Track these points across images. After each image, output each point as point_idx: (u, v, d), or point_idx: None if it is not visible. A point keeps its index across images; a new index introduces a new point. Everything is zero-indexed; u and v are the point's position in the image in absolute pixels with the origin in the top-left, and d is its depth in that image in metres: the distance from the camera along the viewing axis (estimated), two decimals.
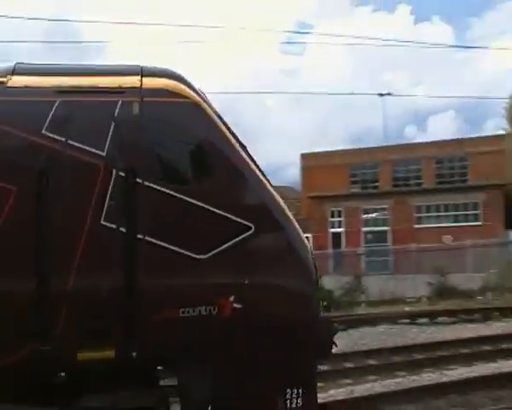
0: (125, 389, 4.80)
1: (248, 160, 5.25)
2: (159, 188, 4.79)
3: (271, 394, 5.23)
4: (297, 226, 5.38)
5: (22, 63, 5.02)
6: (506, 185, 32.04)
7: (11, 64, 4.99)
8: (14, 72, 4.83)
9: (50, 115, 4.70)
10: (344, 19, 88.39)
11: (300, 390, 5.31)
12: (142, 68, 5.17)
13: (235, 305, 4.89)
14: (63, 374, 4.81)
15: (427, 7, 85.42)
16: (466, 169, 36.66)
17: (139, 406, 4.77)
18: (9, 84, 4.75)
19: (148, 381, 4.96)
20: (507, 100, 33.12)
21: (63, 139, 4.67)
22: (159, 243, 4.76)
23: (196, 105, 5.17)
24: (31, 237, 4.47)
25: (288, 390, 5.24)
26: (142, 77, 5.04)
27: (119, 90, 4.96)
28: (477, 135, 39.19)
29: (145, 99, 4.92)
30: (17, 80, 4.80)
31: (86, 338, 4.52)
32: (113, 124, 4.82)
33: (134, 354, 4.64)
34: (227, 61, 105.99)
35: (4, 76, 4.74)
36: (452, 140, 38.56)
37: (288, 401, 5.25)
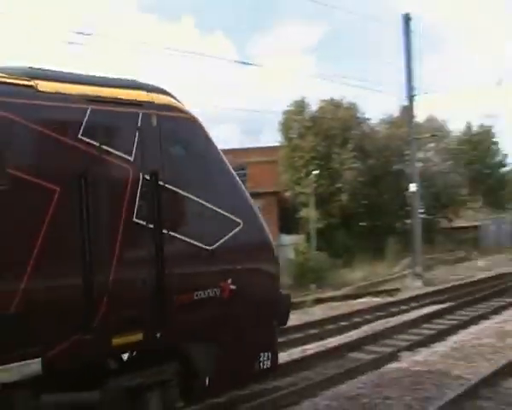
0: (149, 366, 5.57)
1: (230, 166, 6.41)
2: (176, 190, 5.67)
3: (252, 357, 6.42)
4: (264, 221, 6.67)
5: (39, 68, 5.23)
6: (279, 192, 36.52)
7: (26, 67, 5.16)
8: (39, 77, 5.04)
9: (84, 122, 5.11)
10: (129, 24, 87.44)
11: (269, 354, 6.58)
12: (146, 84, 5.88)
13: (231, 286, 6.01)
14: (100, 358, 5.37)
15: (210, 20, 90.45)
16: (245, 177, 40.53)
17: (161, 379, 5.58)
18: (40, 88, 4.93)
19: (167, 357, 5.67)
20: (281, 114, 37.87)
21: (97, 144, 5.15)
22: (178, 236, 5.63)
23: (195, 120, 6.19)
24: (75, 234, 4.94)
25: (261, 354, 6.48)
26: (149, 92, 5.75)
27: (138, 103, 5.62)
28: (256, 145, 43.17)
29: (158, 112, 5.68)
30: (46, 85, 5.03)
31: (121, 325, 5.12)
32: (137, 133, 5.47)
33: (158, 334, 5.38)
34: None
35: (30, 80, 4.91)
36: (232, 149, 42.13)
37: (261, 363, 6.48)
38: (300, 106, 37.66)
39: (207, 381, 6.02)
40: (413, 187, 19.43)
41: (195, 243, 5.78)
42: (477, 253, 27.73)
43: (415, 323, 12.68)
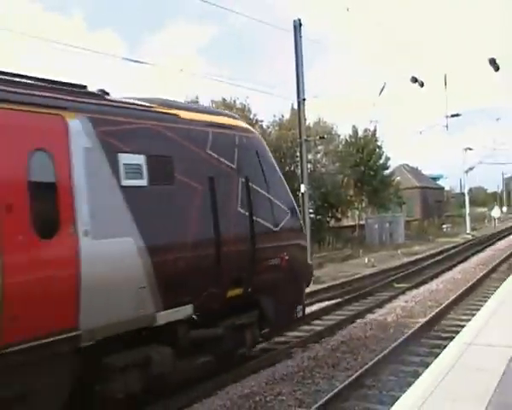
0: (245, 312, 8.56)
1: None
2: (257, 188, 8.70)
3: (293, 308, 9.69)
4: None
5: (174, 100, 8.39)
6: None
7: (162, 99, 8.03)
8: (176, 107, 8.02)
9: (209, 140, 7.97)
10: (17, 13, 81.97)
11: (301, 306, 9.94)
12: (232, 114, 9.34)
13: (286, 257, 9.05)
14: (221, 305, 8.05)
15: (100, 16, 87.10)
16: None
17: (251, 321, 8.68)
18: (181, 116, 7.83)
19: (252, 305, 8.69)
20: None
21: (217, 156, 8.05)
22: (260, 221, 8.56)
23: (259, 136, 9.77)
24: (211, 219, 7.66)
25: (297, 306, 9.81)
26: (234, 119, 9.26)
27: (234, 128, 8.82)
28: None
29: (242, 134, 8.86)
30: (183, 114, 7.90)
31: (232, 282, 8.02)
32: (236, 148, 8.51)
33: (249, 290, 8.38)
34: None
35: (175, 110, 7.83)
36: None
37: (297, 313, 9.82)
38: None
39: (271, 324, 9.34)
40: (303, 188, 20.02)
41: (269, 225, 8.79)
42: (363, 250, 29.19)
43: (305, 319, 13.03)
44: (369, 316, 13.14)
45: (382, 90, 22.96)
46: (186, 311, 7.25)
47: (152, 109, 7.56)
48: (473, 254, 26.25)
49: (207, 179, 7.73)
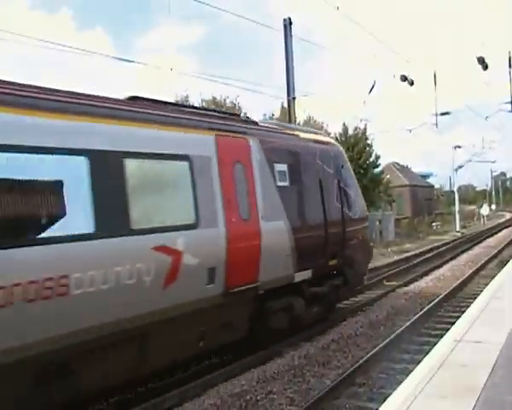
0: (336, 277, 11.76)
1: None
2: (346, 189, 12.20)
3: (362, 276, 13.28)
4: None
5: (293, 125, 14.68)
6: None
7: (287, 124, 13.98)
8: (296, 129, 12.02)
9: (318, 153, 11.38)
10: None
11: (365, 276, 13.66)
12: (321, 132, 14.66)
13: (360, 238, 12.70)
14: (326, 271, 11.37)
15: (90, 15, 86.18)
16: None
17: (340, 284, 11.90)
18: (300, 136, 11.43)
19: (340, 273, 11.92)
20: None
21: (321, 164, 11.35)
22: (347, 211, 12.02)
23: (342, 149, 13.32)
24: (322, 210, 11.06)
25: (364, 275, 13.47)
26: (326, 136, 14.04)
27: (328, 143, 12.66)
28: None
29: (334, 147, 12.60)
30: (302, 135, 11.53)
31: (331, 255, 11.25)
32: (332, 159, 11.87)
33: (340, 261, 11.56)
34: None
35: (296, 132, 11.68)
36: None
37: (363, 280, 13.64)
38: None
39: (349, 287, 12.66)
40: None
41: (351, 215, 12.23)
42: None
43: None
44: (360, 314, 13.17)
45: (372, 88, 23.05)
46: (308, 274, 10.54)
47: (285, 132, 11.48)
48: (462, 252, 26.43)
49: (319, 181, 11.22)
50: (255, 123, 10.81)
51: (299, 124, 31.30)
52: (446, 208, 73.53)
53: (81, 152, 6.40)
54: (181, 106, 12.05)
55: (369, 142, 41.51)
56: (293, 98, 20.20)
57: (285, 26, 20.06)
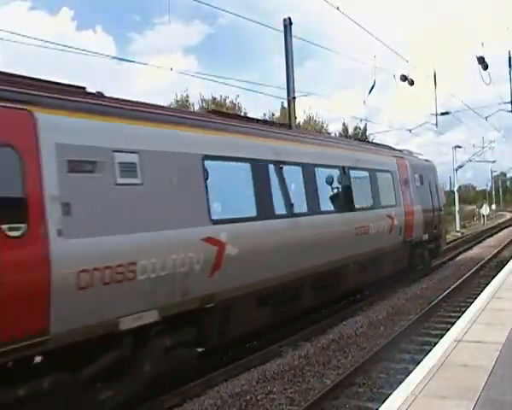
0: (429, 244, 19.33)
1: None
2: (434, 188, 20.24)
3: (441, 246, 21.27)
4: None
5: (407, 149, 20.91)
6: None
7: (405, 149, 20.59)
8: (409, 153, 20.26)
9: (427, 168, 20.11)
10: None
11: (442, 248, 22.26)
12: (397, 148, 19.83)
13: (442, 220, 21.93)
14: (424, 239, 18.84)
15: (90, 15, 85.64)
16: None
17: (431, 249, 19.56)
18: (422, 157, 21.23)
19: (431, 243, 19.36)
20: None
21: (430, 174, 20.43)
22: (437, 202, 20.37)
23: (432, 162, 22.27)
24: (431, 200, 19.78)
25: (442, 246, 21.80)
26: (423, 156, 22.28)
27: (428, 160, 21.43)
28: None
29: (431, 164, 21.55)
30: (421, 157, 21.25)
31: (434, 227, 19.66)
32: (432, 171, 20.89)
33: (426, 237, 18.56)
34: None
35: (420, 155, 21.43)
36: None
37: (441, 250, 21.84)
38: (184, 105, 37.43)
39: (436, 253, 20.39)
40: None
41: (439, 205, 20.33)
42: None
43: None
44: (360, 314, 13.16)
45: (372, 88, 23.07)
46: (424, 237, 18.21)
47: (417, 156, 20.39)
48: (461, 253, 26.38)
49: (428, 183, 19.21)
50: (408, 151, 19.97)
51: (298, 124, 31.28)
52: (446, 208, 73.51)
53: (260, 161, 9.95)
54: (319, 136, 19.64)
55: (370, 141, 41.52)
56: (294, 98, 20.19)
57: (285, 26, 20.04)
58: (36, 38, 24.23)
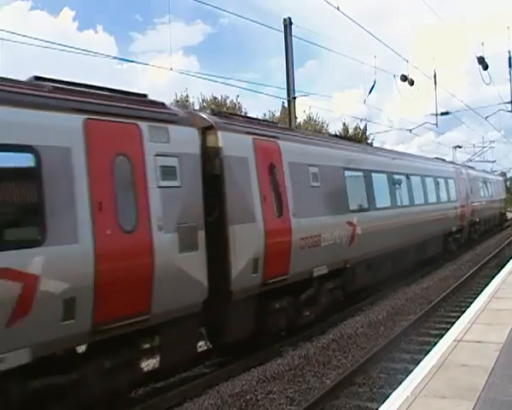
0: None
1: None
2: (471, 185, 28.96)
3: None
4: None
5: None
6: None
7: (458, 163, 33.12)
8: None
9: (464, 174, 27.56)
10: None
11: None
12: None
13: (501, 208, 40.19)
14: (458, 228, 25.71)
15: (91, 15, 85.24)
16: None
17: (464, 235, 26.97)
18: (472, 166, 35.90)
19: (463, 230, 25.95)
20: None
21: (470, 176, 29.36)
22: (491, 196, 35.26)
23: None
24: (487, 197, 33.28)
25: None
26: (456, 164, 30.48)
27: (457, 167, 27.92)
28: None
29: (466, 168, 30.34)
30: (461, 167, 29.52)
31: (459, 222, 24.67)
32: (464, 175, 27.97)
33: (464, 223, 25.51)
34: None
35: (460, 165, 31.44)
36: None
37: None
38: (184, 105, 37.42)
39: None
40: None
41: (480, 203, 29.88)
42: None
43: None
44: (360, 314, 13.16)
45: (372, 88, 23.05)
46: (454, 228, 23.10)
47: (461, 165, 30.71)
48: (455, 257, 26.25)
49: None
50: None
51: (299, 124, 31.25)
52: None
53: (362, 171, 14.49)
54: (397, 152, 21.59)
55: (369, 141, 41.50)
56: (294, 98, 20.18)
57: (285, 26, 20.03)
58: (36, 38, 24.23)
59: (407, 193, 17.52)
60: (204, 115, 9.11)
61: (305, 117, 40.77)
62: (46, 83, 6.54)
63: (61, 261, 5.83)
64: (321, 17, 41.17)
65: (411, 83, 23.36)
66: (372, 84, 22.83)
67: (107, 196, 6.45)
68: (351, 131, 42.69)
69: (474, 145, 50.20)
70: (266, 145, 9.92)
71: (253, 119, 12.26)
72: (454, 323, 8.00)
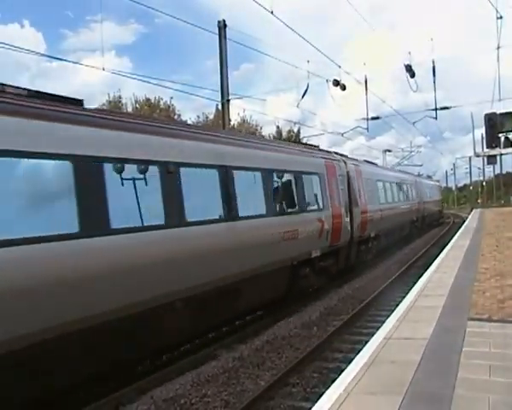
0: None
1: None
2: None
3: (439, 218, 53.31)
4: None
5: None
6: None
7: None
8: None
9: None
10: None
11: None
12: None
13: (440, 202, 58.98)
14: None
15: (16, 7, 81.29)
16: None
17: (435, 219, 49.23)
18: None
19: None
20: None
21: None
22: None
23: None
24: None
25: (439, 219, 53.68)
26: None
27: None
28: None
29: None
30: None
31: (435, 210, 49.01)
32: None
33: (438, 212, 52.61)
34: None
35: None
36: None
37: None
38: (117, 106, 36.62)
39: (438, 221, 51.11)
40: None
41: (434, 198, 50.01)
42: None
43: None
44: (293, 315, 13.30)
45: (305, 92, 23.45)
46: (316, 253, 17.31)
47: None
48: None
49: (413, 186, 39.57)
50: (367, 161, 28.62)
51: (233, 126, 31.33)
52: None
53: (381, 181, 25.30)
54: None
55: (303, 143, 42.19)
56: (228, 101, 20.20)
57: (219, 28, 20.02)
58: None
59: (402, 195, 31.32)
60: (343, 157, 19.39)
61: (239, 119, 40.92)
62: None
63: (325, 216, 15.25)
64: (256, 21, 41.46)
65: (343, 88, 23.93)
66: (305, 88, 23.25)
67: (334, 192, 16.29)
68: (284, 134, 43.23)
69: (402, 149, 52.32)
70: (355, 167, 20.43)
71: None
72: (384, 321, 8.24)
